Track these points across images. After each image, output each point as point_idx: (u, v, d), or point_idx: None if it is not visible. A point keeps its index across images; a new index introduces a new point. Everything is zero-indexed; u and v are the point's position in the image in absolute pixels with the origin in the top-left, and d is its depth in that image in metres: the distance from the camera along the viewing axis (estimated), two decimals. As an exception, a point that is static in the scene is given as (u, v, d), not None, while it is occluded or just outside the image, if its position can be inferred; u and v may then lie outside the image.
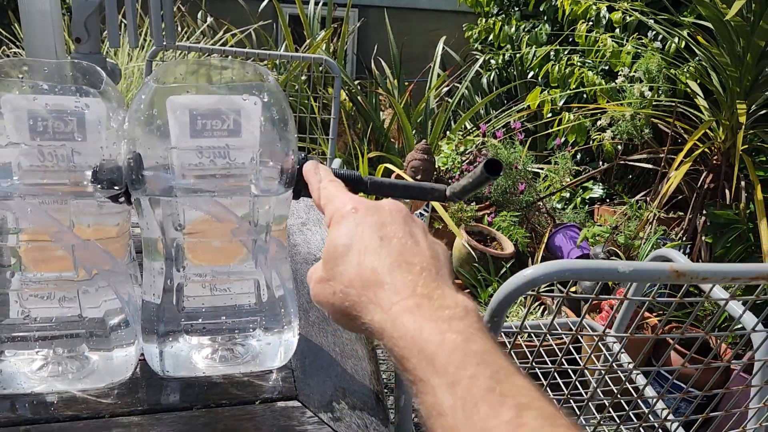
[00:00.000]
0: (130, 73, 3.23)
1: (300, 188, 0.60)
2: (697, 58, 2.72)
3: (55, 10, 1.27)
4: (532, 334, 1.74)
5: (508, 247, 2.61)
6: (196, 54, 2.73)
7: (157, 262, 0.59)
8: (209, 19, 4.19)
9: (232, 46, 3.69)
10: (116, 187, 0.55)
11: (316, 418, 0.60)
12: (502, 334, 1.51)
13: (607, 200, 3.10)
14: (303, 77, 3.67)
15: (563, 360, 1.47)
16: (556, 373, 1.42)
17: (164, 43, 1.31)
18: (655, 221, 2.52)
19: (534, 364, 0.93)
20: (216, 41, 3.79)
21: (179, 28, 3.93)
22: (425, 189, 0.63)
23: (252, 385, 0.64)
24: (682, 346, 2.05)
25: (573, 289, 2.31)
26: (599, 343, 1.78)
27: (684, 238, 2.50)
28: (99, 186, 0.55)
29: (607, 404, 1.14)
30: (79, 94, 0.53)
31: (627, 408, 0.94)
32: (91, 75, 0.56)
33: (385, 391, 1.36)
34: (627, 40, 2.99)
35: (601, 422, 1.02)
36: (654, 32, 3.01)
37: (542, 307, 2.38)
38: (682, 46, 2.81)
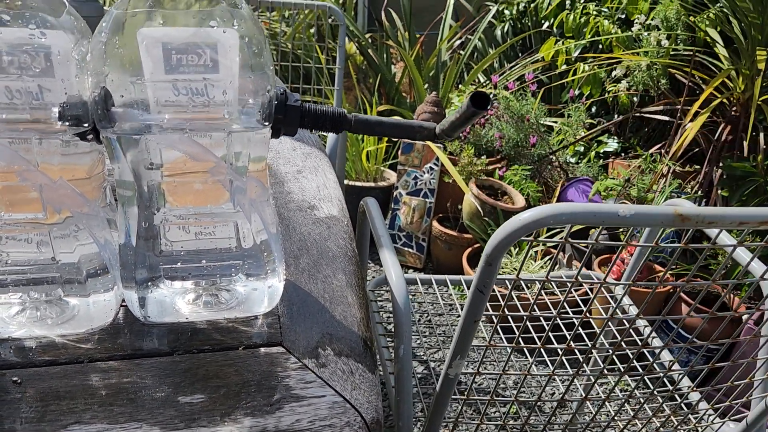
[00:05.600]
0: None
1: (279, 126, 0.57)
2: (718, 4, 2.60)
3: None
4: (539, 285, 1.72)
5: (519, 201, 2.57)
6: None
7: (132, 205, 0.57)
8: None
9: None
10: (84, 125, 0.53)
11: (300, 363, 0.59)
12: (506, 282, 1.49)
13: (622, 154, 3.03)
14: (311, 29, 3.59)
15: (569, 311, 1.45)
16: (562, 325, 1.40)
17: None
18: (669, 174, 2.45)
19: (535, 313, 0.91)
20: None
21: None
22: (414, 127, 0.60)
23: (236, 331, 0.63)
24: (700, 301, 2.02)
25: (584, 244, 2.28)
26: (608, 297, 1.75)
27: (699, 192, 2.44)
28: (66, 123, 0.52)
29: (611, 352, 1.12)
30: (36, 26, 0.50)
31: (631, 357, 0.92)
32: (52, 2, 0.52)
33: (389, 339, 1.35)
34: (645, -13, 2.87)
35: (604, 372, 1.00)
36: (673, -22, 2.88)
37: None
38: (703, -9, 2.70)
